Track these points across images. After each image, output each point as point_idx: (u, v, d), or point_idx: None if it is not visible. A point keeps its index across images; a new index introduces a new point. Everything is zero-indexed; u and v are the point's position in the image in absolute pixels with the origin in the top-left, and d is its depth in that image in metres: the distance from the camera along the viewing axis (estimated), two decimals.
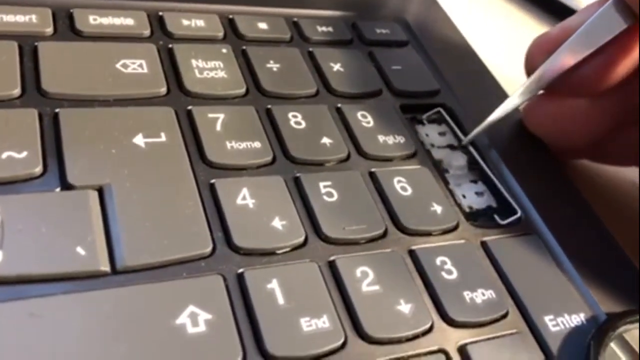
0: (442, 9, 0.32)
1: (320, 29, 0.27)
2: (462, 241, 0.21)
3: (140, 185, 0.19)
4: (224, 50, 0.24)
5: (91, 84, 0.21)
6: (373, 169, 0.22)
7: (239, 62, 0.24)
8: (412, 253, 0.20)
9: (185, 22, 0.25)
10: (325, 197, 0.21)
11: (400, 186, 0.22)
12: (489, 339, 0.19)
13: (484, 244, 0.21)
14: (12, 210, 0.17)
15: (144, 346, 0.16)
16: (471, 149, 0.25)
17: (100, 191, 0.18)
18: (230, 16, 0.26)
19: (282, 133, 0.22)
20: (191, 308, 0.16)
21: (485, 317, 0.19)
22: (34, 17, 0.22)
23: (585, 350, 0.19)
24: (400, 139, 0.24)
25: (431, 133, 0.25)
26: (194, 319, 0.16)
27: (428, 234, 0.21)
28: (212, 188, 0.20)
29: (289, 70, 0.25)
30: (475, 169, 0.24)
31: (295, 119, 0.23)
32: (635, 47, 0.22)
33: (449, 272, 0.20)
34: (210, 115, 0.22)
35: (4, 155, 0.18)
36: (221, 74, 0.23)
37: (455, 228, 0.21)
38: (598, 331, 0.19)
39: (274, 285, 0.18)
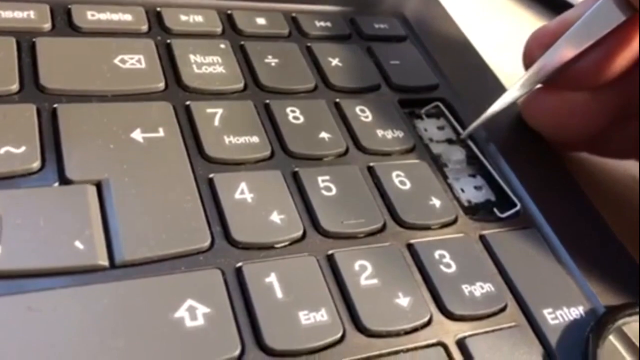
0: (440, 3, 0.32)
1: (318, 24, 0.27)
2: (461, 235, 0.21)
3: (138, 180, 0.19)
4: (222, 46, 0.24)
5: (89, 79, 0.21)
6: (371, 164, 0.22)
7: (237, 57, 0.24)
8: (410, 247, 0.20)
9: (183, 18, 0.25)
10: (323, 192, 0.21)
11: (398, 180, 0.22)
12: (487, 332, 0.19)
13: (482, 238, 0.21)
14: (11, 205, 0.17)
15: (142, 340, 0.16)
16: (470, 142, 0.25)
17: (99, 186, 0.18)
18: (229, 11, 0.26)
19: (280, 128, 0.22)
20: (189, 302, 0.16)
21: (483, 310, 0.19)
22: (31, 13, 0.22)
23: (584, 343, 0.19)
24: (399, 134, 0.24)
25: (430, 127, 0.25)
26: (193, 313, 0.16)
27: (427, 227, 0.21)
28: (210, 183, 0.20)
29: (287, 65, 0.25)
30: (474, 163, 0.24)
31: (293, 114, 0.23)
32: (634, 40, 0.22)
33: (448, 265, 0.20)
34: (209, 110, 0.22)
35: (2, 150, 0.18)
36: (219, 69, 0.23)
37: (454, 222, 0.21)
38: (597, 324, 0.19)
39: (272, 279, 0.18)
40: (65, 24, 0.23)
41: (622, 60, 0.22)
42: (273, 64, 0.25)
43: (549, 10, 0.39)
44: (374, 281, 0.19)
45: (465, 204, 0.23)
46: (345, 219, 0.20)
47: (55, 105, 0.20)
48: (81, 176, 0.18)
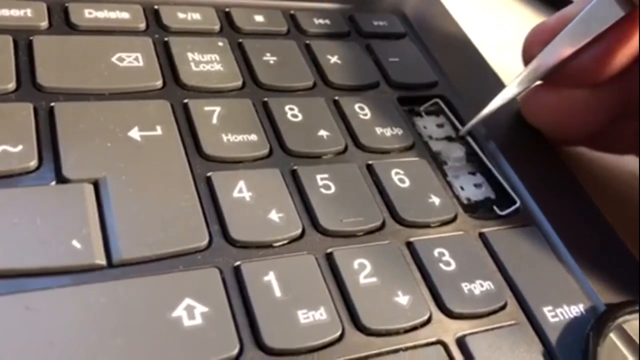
0: (439, 0, 0.32)
1: (317, 21, 0.27)
2: (460, 233, 0.21)
3: (136, 179, 0.19)
4: (220, 44, 0.24)
5: (86, 77, 0.21)
6: (370, 161, 0.22)
7: (235, 55, 0.24)
8: (409, 245, 0.20)
9: (181, 16, 0.25)
10: (322, 190, 0.20)
11: (397, 178, 0.22)
12: (487, 330, 0.19)
13: (482, 236, 0.21)
14: (7, 204, 0.17)
15: (140, 339, 0.15)
16: (469, 140, 0.25)
17: (96, 184, 0.18)
18: (227, 9, 0.26)
19: (278, 126, 0.22)
20: (187, 301, 0.16)
21: (483, 308, 0.19)
22: (28, 12, 0.22)
23: (584, 341, 0.19)
24: (398, 131, 0.24)
25: (429, 125, 0.25)
26: (191, 312, 0.16)
27: (426, 225, 0.21)
28: (208, 181, 0.20)
29: (285, 63, 0.25)
30: (474, 161, 0.24)
31: (292, 112, 0.23)
32: (634, 36, 0.22)
33: (447, 263, 0.20)
34: (207, 108, 0.22)
35: None
36: (217, 67, 0.23)
37: (453, 220, 0.21)
38: (597, 322, 0.19)
39: (270, 277, 0.18)
40: (62, 22, 0.23)
41: (622, 56, 0.22)
42: (271, 62, 0.24)
43: (549, 7, 0.38)
44: (373, 279, 0.19)
45: (465, 201, 0.23)
46: (344, 217, 0.20)
47: (52, 104, 0.20)
48: (78, 175, 0.18)
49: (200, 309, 0.16)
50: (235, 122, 0.21)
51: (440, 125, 0.25)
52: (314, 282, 0.18)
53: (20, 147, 0.18)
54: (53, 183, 0.18)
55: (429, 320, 0.18)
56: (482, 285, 0.19)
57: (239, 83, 0.23)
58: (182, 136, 0.20)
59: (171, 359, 0.15)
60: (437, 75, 0.27)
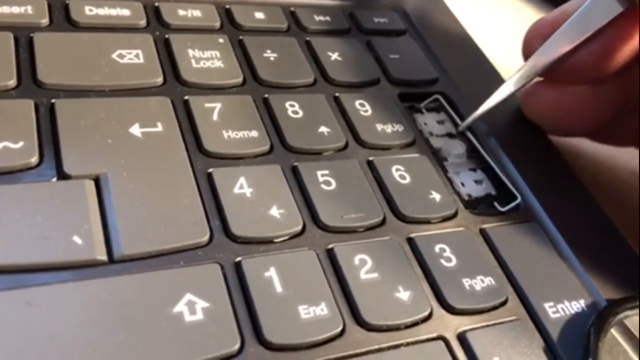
0: None
1: (317, 18, 0.27)
2: (461, 229, 0.21)
3: (137, 175, 0.19)
4: (221, 40, 0.24)
5: (87, 74, 0.21)
6: (371, 158, 0.22)
7: (235, 51, 0.24)
8: (410, 241, 0.20)
9: (182, 12, 0.25)
10: (323, 186, 0.20)
11: (398, 174, 0.22)
12: (488, 325, 0.19)
13: (483, 232, 0.21)
14: (9, 200, 0.17)
15: (141, 335, 0.15)
16: (470, 136, 0.25)
17: (97, 181, 0.18)
18: (227, 6, 0.26)
19: (279, 122, 0.22)
20: (188, 296, 0.16)
21: (484, 304, 0.19)
22: (29, 8, 0.22)
23: (585, 336, 0.19)
24: (399, 128, 0.24)
25: (430, 121, 0.25)
26: (192, 308, 0.16)
27: (427, 221, 0.21)
28: (209, 177, 0.20)
29: (286, 59, 0.25)
30: (474, 157, 0.24)
31: (292, 108, 0.23)
32: (634, 32, 0.22)
33: (448, 259, 0.20)
34: (207, 105, 0.22)
35: (0, 145, 0.18)
36: (218, 63, 0.23)
37: (454, 216, 0.21)
38: (598, 318, 0.19)
39: (271, 273, 0.18)
40: (63, 18, 0.23)
41: (623, 53, 0.22)
42: (272, 59, 0.24)
43: (549, 4, 0.38)
44: (374, 275, 0.19)
45: (466, 197, 0.23)
46: (345, 213, 0.20)
47: (53, 101, 0.20)
48: (79, 171, 0.18)
49: (201, 304, 0.16)
50: (235, 119, 0.21)
51: (440, 122, 0.25)
52: (315, 277, 0.18)
53: (21, 144, 0.18)
54: (54, 179, 0.18)
55: (429, 316, 0.18)
56: (483, 281, 0.19)
57: (240, 80, 0.23)
58: (182, 132, 0.20)
59: (172, 354, 0.15)
60: (437, 72, 0.27)
